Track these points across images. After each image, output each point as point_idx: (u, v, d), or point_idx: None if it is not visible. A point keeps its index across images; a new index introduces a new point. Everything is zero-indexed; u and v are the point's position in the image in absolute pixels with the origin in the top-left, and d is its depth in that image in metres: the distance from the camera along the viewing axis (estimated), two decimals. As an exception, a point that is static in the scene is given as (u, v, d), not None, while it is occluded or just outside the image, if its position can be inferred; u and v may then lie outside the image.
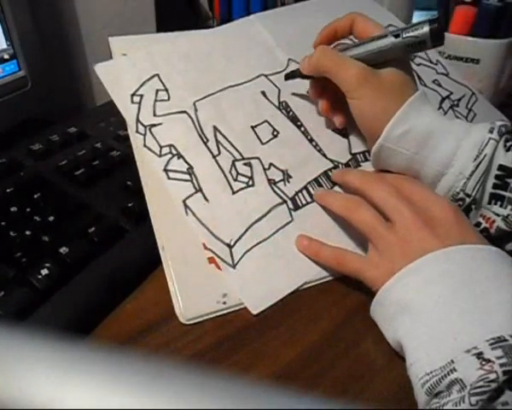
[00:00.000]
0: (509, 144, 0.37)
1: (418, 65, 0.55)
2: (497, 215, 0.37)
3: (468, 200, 0.37)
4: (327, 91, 0.44)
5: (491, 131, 0.37)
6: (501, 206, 0.37)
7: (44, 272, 0.35)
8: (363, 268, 0.35)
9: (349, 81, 0.39)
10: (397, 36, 0.38)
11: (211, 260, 0.37)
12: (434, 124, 0.38)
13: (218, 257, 0.37)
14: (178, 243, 0.37)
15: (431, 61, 0.57)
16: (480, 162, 0.36)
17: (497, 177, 0.37)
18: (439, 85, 0.54)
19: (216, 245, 0.37)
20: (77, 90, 0.70)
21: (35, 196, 0.42)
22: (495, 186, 0.37)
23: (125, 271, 0.38)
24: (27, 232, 0.38)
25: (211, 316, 0.35)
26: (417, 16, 0.81)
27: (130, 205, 0.42)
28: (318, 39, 0.45)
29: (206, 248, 0.37)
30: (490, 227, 0.37)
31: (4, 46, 0.51)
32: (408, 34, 0.38)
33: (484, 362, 0.26)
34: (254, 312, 0.35)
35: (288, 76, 0.46)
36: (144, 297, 0.36)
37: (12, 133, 0.52)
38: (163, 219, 0.38)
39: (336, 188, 0.43)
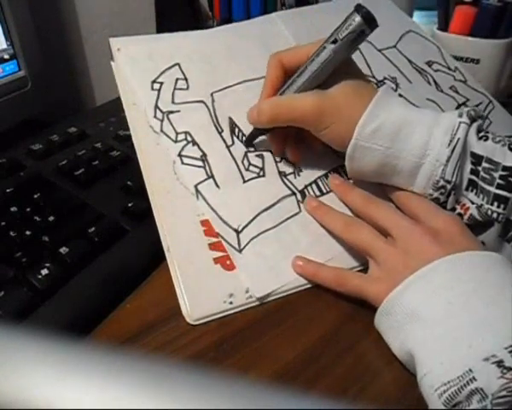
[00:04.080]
0: (481, 134, 0.37)
1: (436, 71, 0.55)
2: (472, 203, 0.36)
3: (448, 186, 0.36)
4: (288, 138, 0.43)
5: (460, 116, 0.37)
6: (475, 194, 0.36)
7: (44, 272, 0.35)
8: (364, 285, 0.35)
9: (309, 119, 0.38)
10: (334, 41, 0.37)
11: (216, 260, 0.37)
12: (404, 116, 0.37)
13: (225, 241, 0.37)
14: (184, 243, 0.37)
15: (449, 68, 0.56)
16: (454, 147, 0.36)
17: (473, 162, 0.36)
18: (456, 92, 0.54)
19: (224, 229, 0.38)
20: (77, 90, 0.70)
21: (35, 196, 0.42)
22: (472, 172, 0.36)
23: (125, 271, 0.38)
24: (27, 232, 0.38)
25: (217, 316, 0.35)
26: (417, 16, 0.81)
27: (130, 205, 0.42)
28: (264, 93, 0.42)
29: (211, 249, 0.37)
30: (464, 214, 0.37)
31: (4, 46, 0.51)
32: (344, 34, 0.36)
33: (505, 370, 0.25)
34: (257, 295, 0.36)
35: (249, 140, 0.43)
36: (144, 297, 0.36)
37: (12, 133, 0.52)
38: (168, 220, 0.38)
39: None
